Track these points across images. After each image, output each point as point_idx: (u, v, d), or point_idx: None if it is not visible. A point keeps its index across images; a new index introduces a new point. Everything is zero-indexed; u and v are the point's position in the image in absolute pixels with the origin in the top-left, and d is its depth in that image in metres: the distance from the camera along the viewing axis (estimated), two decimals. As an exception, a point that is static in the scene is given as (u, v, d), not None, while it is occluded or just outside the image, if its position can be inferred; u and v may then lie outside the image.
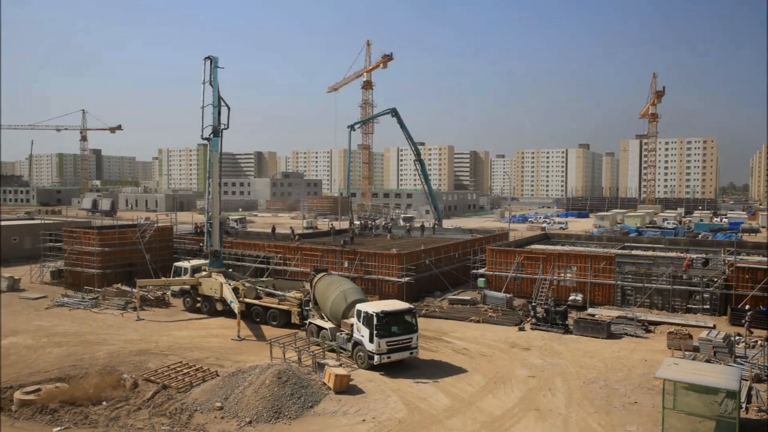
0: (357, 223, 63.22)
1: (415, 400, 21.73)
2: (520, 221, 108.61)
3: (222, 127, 36.47)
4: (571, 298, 37.00)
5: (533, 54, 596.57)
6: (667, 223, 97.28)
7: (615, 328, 31.44)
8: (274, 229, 61.64)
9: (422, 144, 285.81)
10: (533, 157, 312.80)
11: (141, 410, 20.44)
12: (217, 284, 35.40)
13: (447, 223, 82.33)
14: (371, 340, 24.54)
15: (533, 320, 33.36)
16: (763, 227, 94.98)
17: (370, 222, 65.99)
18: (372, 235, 58.46)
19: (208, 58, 36.05)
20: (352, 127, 73.70)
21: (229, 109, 36.60)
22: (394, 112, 73.73)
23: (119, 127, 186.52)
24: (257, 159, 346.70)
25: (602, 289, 37.24)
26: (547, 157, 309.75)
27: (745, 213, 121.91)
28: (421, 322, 29.83)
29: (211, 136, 36.13)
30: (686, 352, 26.51)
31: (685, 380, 17.73)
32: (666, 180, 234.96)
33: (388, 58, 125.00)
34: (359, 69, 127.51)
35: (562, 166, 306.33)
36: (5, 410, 20.46)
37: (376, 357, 24.49)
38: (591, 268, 37.34)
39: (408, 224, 69.20)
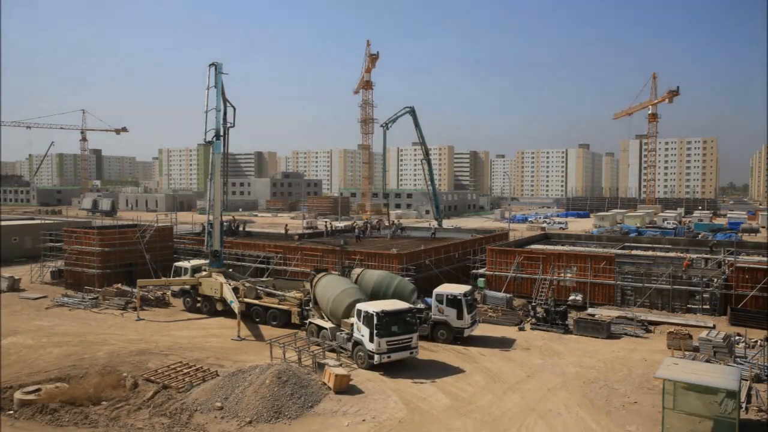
0: (359, 222, 63.51)
1: (415, 400, 21.74)
2: (521, 221, 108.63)
3: (228, 125, 37.39)
4: (571, 298, 37.00)
5: (533, 54, 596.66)
6: (667, 223, 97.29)
7: (615, 328, 31.45)
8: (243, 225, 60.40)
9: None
10: (533, 157, 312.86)
11: (141, 410, 20.45)
12: (217, 284, 35.43)
13: (446, 223, 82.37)
14: (371, 340, 24.55)
15: (533, 320, 33.40)
16: (763, 227, 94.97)
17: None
18: (372, 236, 58.46)
19: (213, 64, 36.61)
20: (386, 126, 74.22)
21: (234, 109, 37.69)
22: (412, 111, 74.77)
23: (124, 129, 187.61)
24: (257, 159, 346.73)
25: (602, 289, 37.25)
26: (547, 157, 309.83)
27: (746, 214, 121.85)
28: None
29: (214, 139, 36.47)
30: (686, 352, 26.52)
31: (685, 380, 17.73)
32: (666, 180, 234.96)
33: (374, 57, 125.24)
34: (362, 70, 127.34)
35: (562, 166, 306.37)
36: (5, 410, 20.47)
37: (376, 356, 24.50)
38: (591, 268, 37.34)
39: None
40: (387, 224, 62.62)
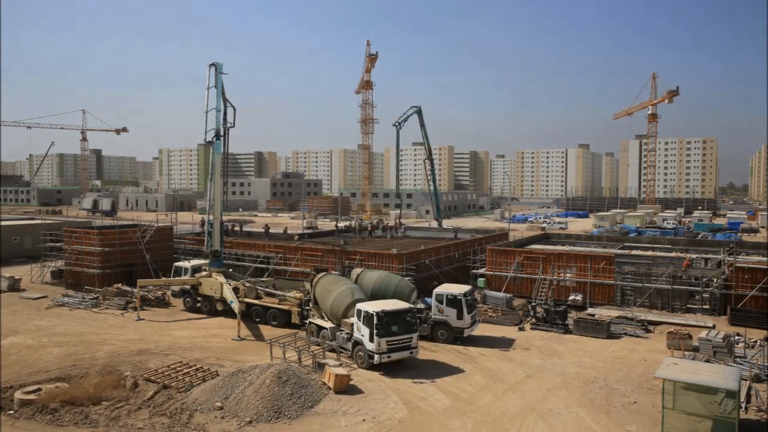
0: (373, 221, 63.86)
1: (415, 399, 21.75)
2: (521, 221, 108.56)
3: (228, 125, 37.42)
4: (571, 298, 37.02)
5: (533, 53, 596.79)
6: (667, 223, 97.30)
7: (615, 328, 31.47)
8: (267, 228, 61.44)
9: (422, 144, 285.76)
10: (533, 157, 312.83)
11: (141, 410, 20.46)
12: (217, 284, 35.44)
13: (446, 224, 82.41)
14: (371, 340, 24.56)
15: (533, 320, 33.41)
16: (763, 227, 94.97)
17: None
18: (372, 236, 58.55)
19: (213, 64, 36.56)
20: (398, 125, 74.79)
21: (234, 109, 37.57)
22: (418, 111, 75.75)
23: (125, 129, 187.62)
24: (257, 159, 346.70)
25: (602, 289, 37.26)
26: (547, 157, 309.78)
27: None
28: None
29: (214, 139, 36.43)
30: (686, 352, 26.54)
31: (685, 380, 17.74)
32: (666, 180, 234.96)
33: (373, 57, 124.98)
34: (362, 70, 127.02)
35: (562, 166, 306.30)
36: (5, 410, 20.48)
37: (376, 356, 24.52)
38: (591, 268, 37.36)
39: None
40: (401, 224, 62.85)
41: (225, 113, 36.95)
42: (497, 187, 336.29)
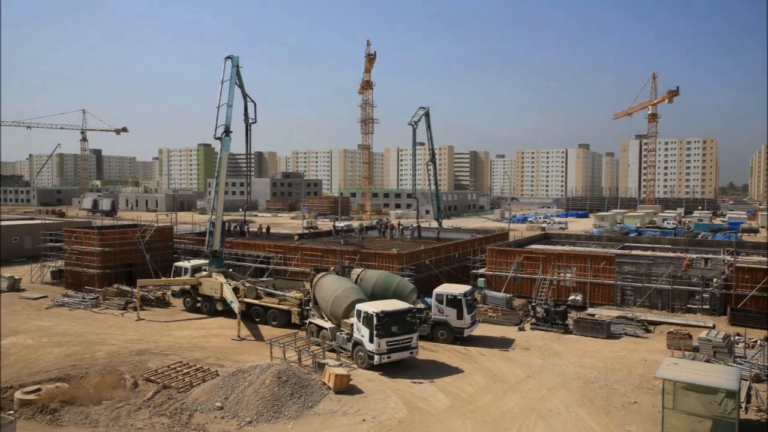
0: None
1: (415, 399, 21.75)
2: (521, 221, 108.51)
3: (251, 120, 37.03)
4: (571, 298, 37.01)
5: (533, 53, 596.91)
6: (667, 223, 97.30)
7: (615, 328, 31.47)
8: (268, 228, 61.41)
9: (422, 144, 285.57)
10: (533, 157, 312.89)
11: (141, 410, 20.45)
12: (217, 284, 35.43)
13: (446, 224, 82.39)
14: (371, 340, 24.56)
15: (533, 320, 33.41)
16: (763, 227, 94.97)
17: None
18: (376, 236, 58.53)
19: (229, 57, 36.16)
20: (414, 124, 75.06)
21: (255, 104, 37.05)
22: (426, 113, 76.21)
23: (124, 129, 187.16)
24: (257, 159, 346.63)
25: (602, 289, 37.25)
26: (547, 157, 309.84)
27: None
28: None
29: (223, 135, 36.14)
30: (686, 352, 26.54)
31: (685, 380, 17.75)
32: (666, 180, 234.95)
33: (372, 57, 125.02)
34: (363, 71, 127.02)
35: (562, 166, 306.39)
36: (5, 410, 20.46)
37: (376, 357, 24.52)
38: (591, 268, 37.34)
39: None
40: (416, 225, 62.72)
41: (246, 108, 36.34)
42: (497, 187, 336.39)
